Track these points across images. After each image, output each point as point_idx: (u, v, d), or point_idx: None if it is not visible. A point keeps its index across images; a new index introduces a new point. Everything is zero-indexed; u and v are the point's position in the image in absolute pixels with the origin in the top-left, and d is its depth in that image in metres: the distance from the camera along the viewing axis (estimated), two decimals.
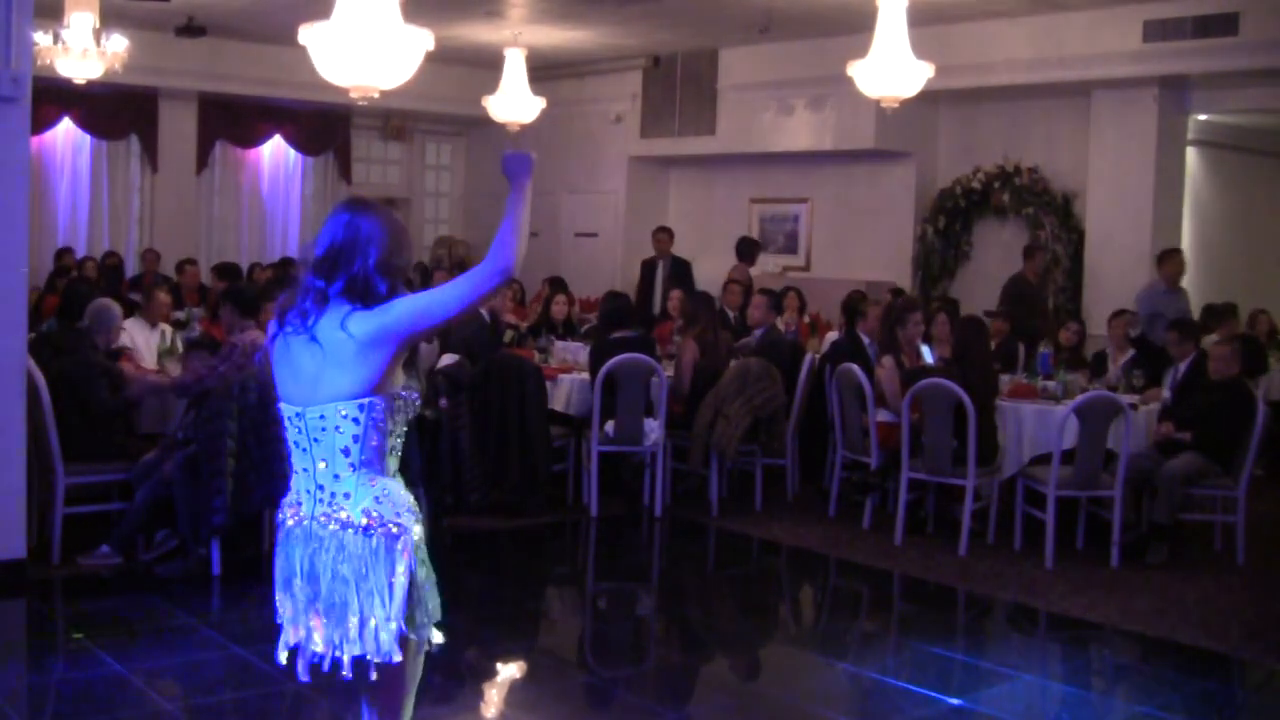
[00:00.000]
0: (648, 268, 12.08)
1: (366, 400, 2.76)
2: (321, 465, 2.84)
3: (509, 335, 9.35)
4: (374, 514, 2.81)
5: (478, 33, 11.79)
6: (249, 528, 6.58)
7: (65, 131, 13.43)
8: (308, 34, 6.70)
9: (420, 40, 6.76)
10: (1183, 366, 7.90)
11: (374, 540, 2.81)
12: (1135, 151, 10.60)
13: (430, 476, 7.15)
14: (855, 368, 7.75)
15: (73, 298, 7.15)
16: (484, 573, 6.96)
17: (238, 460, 6.02)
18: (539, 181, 13.44)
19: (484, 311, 8.50)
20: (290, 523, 2.90)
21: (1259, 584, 6.88)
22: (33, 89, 5.96)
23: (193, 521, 5.98)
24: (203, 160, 14.16)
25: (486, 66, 12.27)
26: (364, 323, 2.73)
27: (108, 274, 11.52)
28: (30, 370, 5.99)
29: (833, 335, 9.96)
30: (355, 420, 2.79)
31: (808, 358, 8.69)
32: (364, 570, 2.80)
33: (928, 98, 9.92)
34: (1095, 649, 6.08)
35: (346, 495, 2.83)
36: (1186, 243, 11.17)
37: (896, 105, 8.91)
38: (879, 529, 7.63)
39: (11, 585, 5.69)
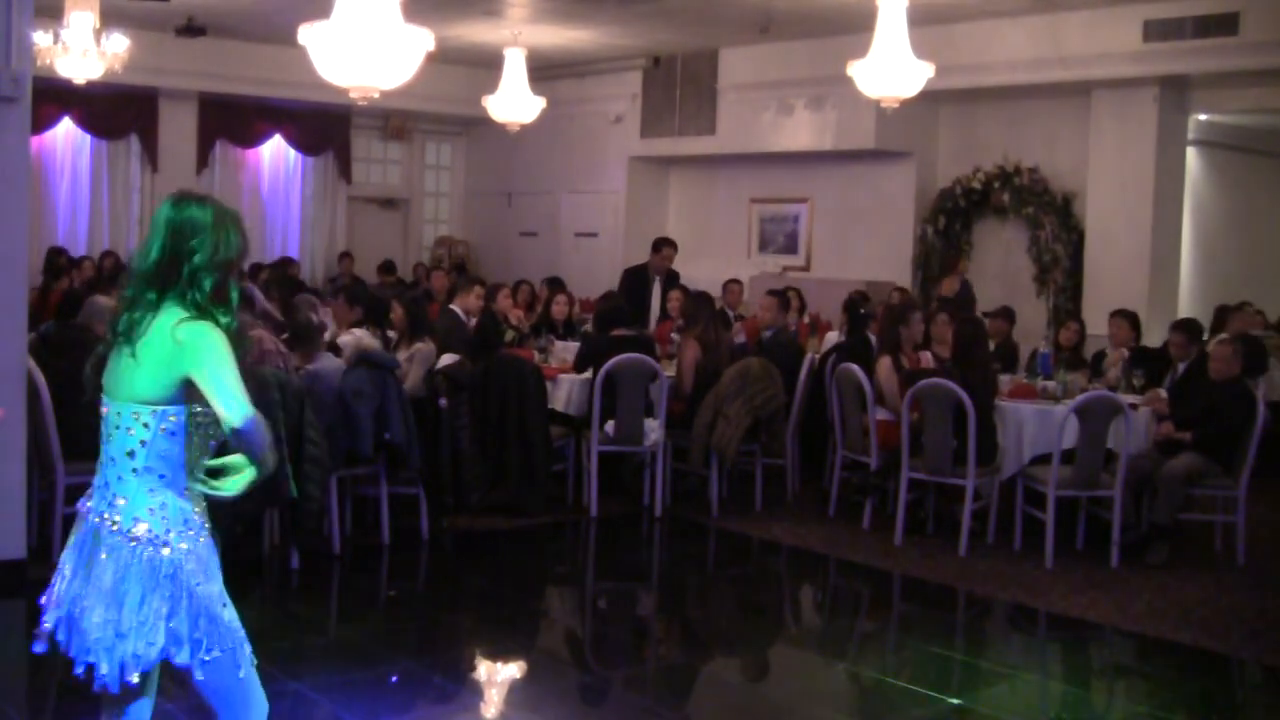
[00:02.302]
0: (637, 279, 10.53)
1: (160, 408, 2.72)
2: (111, 463, 2.79)
3: (509, 335, 9.35)
4: (143, 524, 2.74)
5: (478, 33, 11.79)
6: (249, 528, 6.58)
7: (65, 131, 13.44)
8: (308, 34, 6.70)
9: (420, 40, 6.75)
10: (1181, 367, 7.90)
11: (140, 552, 2.73)
12: (1135, 151, 10.60)
13: (430, 476, 7.16)
14: (855, 368, 7.74)
15: (75, 301, 7.18)
16: (484, 573, 6.96)
17: None
18: (539, 181, 13.35)
19: (460, 312, 8.54)
20: (82, 510, 2.86)
21: (1259, 584, 6.88)
22: (33, 89, 5.96)
23: None
24: (203, 160, 14.17)
25: (486, 66, 12.27)
26: (186, 340, 2.70)
27: (107, 274, 11.53)
28: (30, 370, 5.99)
29: (833, 335, 9.96)
30: (146, 425, 2.74)
31: (808, 358, 8.69)
32: (123, 580, 2.72)
33: (928, 98, 9.92)
34: (1095, 649, 6.08)
35: (125, 500, 2.76)
36: (1186, 243, 11.18)
37: (896, 105, 8.91)
38: (879, 529, 7.62)
39: (11, 585, 5.70)
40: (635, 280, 10.57)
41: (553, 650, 6.07)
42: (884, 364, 7.64)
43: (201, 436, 2.80)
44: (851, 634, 6.40)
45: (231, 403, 2.71)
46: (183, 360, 2.71)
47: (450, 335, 8.15)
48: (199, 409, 2.76)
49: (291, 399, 6.20)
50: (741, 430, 7.84)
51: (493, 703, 5.13)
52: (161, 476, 2.76)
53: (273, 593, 6.24)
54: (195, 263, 2.74)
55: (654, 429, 7.85)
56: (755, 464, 8.27)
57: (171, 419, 2.74)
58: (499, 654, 5.67)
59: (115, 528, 2.74)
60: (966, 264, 11.20)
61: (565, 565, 7.66)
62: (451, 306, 8.89)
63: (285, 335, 7.08)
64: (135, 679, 2.74)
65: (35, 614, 2.87)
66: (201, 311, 2.74)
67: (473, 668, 5.50)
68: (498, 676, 5.43)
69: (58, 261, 11.61)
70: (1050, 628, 6.25)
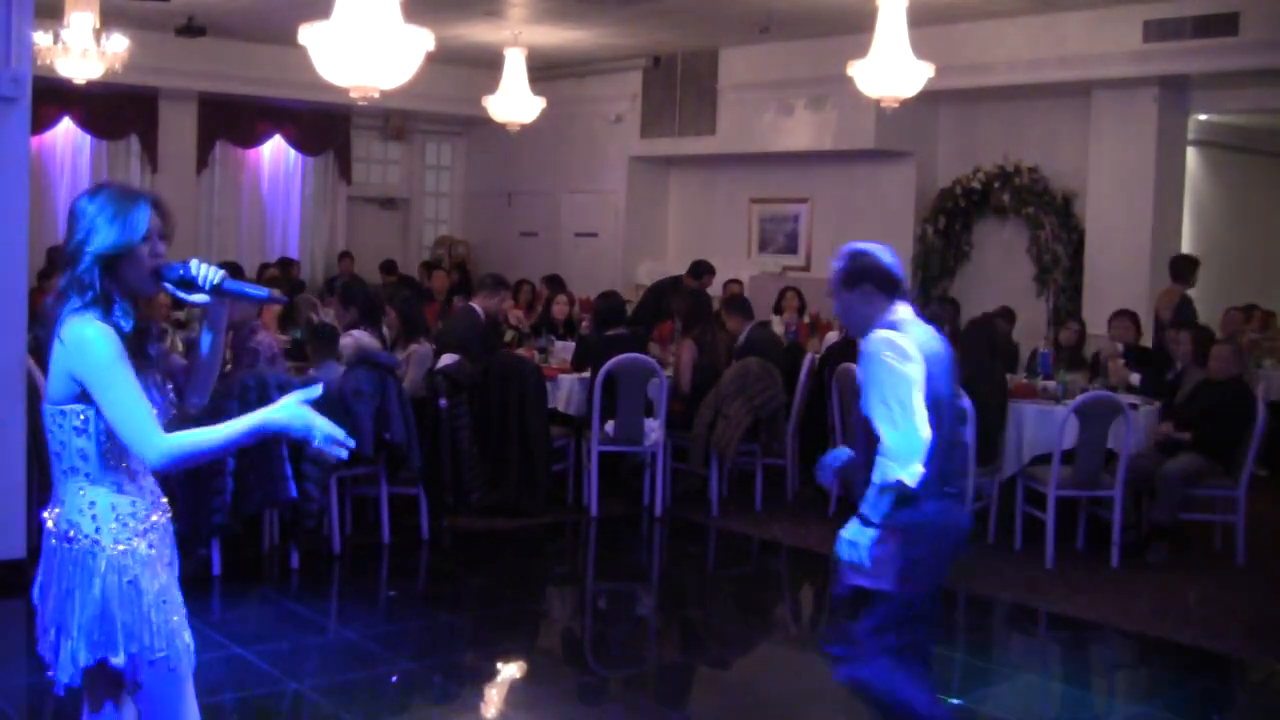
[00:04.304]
0: (663, 295, 10.42)
1: (68, 407, 2.66)
2: (51, 467, 2.76)
3: (509, 335, 9.35)
4: (74, 523, 2.69)
5: (478, 33, 11.79)
6: (249, 528, 6.59)
7: (65, 131, 13.42)
8: (308, 34, 6.70)
9: (420, 40, 6.76)
10: (1180, 365, 7.91)
11: (73, 551, 2.68)
12: (1135, 151, 10.59)
13: (430, 476, 7.16)
14: (855, 367, 7.73)
15: None
16: (484, 573, 6.96)
17: (238, 460, 6.03)
18: (539, 181, 13.27)
19: (479, 309, 8.49)
20: (42, 516, 2.84)
21: (1259, 584, 6.88)
22: (33, 89, 5.96)
23: (193, 521, 5.98)
24: (203, 160, 14.15)
25: (486, 66, 12.26)
26: (69, 337, 2.64)
27: None
28: (30, 370, 5.99)
29: (833, 335, 9.96)
30: (60, 425, 2.69)
31: (808, 358, 8.69)
32: (62, 582, 2.70)
33: (928, 98, 9.91)
34: (1095, 649, 6.08)
35: (62, 502, 2.73)
36: (1186, 243, 11.17)
37: (896, 105, 8.91)
38: None
39: (11, 585, 5.70)
40: (666, 294, 10.47)
41: (553, 650, 6.07)
42: None
43: None
44: None
45: (136, 434, 2.61)
46: (71, 363, 2.64)
47: (456, 332, 8.09)
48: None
49: None
50: (741, 430, 7.84)
51: (493, 703, 5.13)
52: (87, 475, 2.69)
53: (273, 593, 6.24)
54: (69, 250, 2.69)
55: (654, 429, 7.85)
56: (755, 464, 8.27)
57: (80, 418, 2.66)
58: (499, 654, 5.67)
59: (56, 532, 2.72)
60: (1194, 279, 9.88)
61: (565, 565, 7.66)
62: (472, 304, 8.66)
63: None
64: (77, 681, 2.70)
65: (35, 614, 2.86)
66: (87, 302, 2.65)
67: (473, 668, 5.50)
68: (498, 676, 5.43)
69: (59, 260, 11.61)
70: (1050, 628, 6.25)
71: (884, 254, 3.83)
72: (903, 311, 3.81)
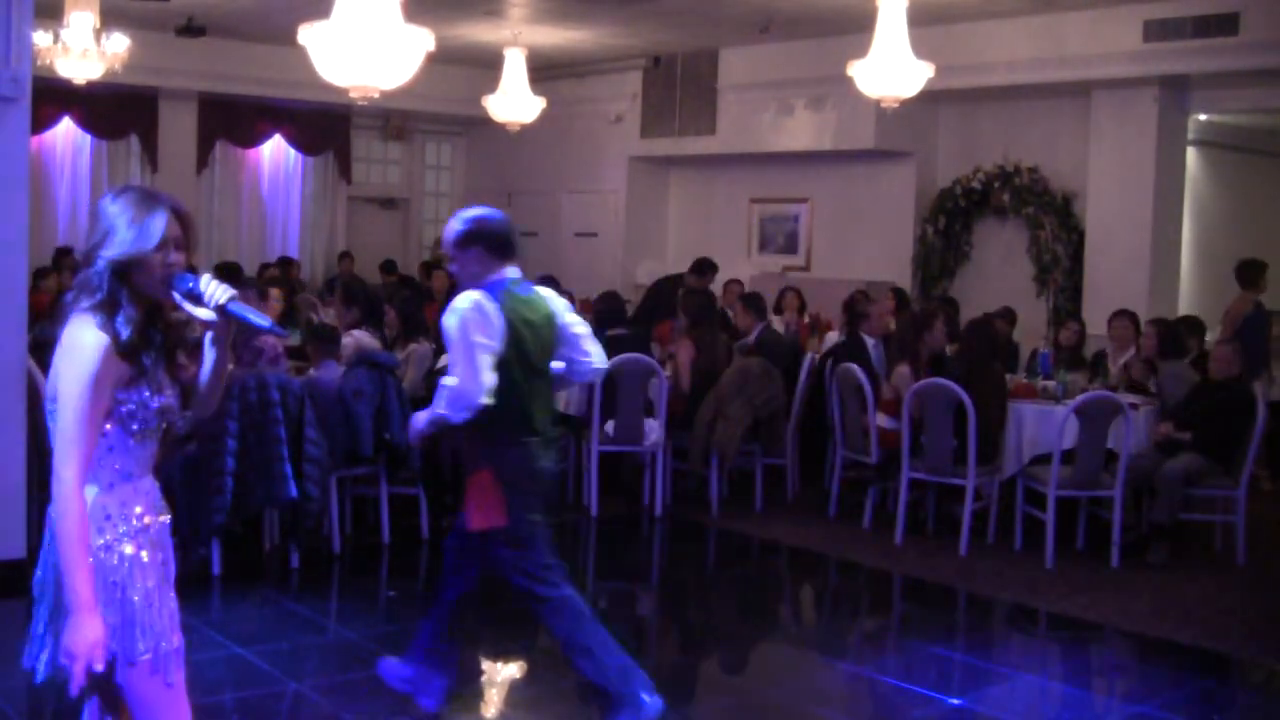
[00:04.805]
0: (670, 292, 10.36)
1: (55, 406, 2.64)
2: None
3: None
4: None
5: (478, 33, 11.79)
6: (249, 528, 6.59)
7: (65, 131, 13.42)
8: (308, 34, 6.70)
9: (420, 40, 6.75)
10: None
11: (59, 549, 2.66)
12: (1135, 151, 10.59)
13: (430, 476, 7.16)
14: (855, 367, 7.75)
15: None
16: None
17: (238, 460, 6.03)
18: (539, 181, 13.36)
19: None
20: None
21: (1259, 584, 6.89)
22: (33, 89, 5.96)
23: (193, 521, 5.98)
24: (203, 160, 14.15)
25: (486, 66, 12.27)
26: (66, 336, 2.62)
27: None
28: (30, 370, 5.99)
29: (833, 335, 9.96)
30: (54, 423, 2.67)
31: (808, 358, 8.69)
32: (46, 580, 2.71)
33: (928, 98, 9.91)
34: (1095, 649, 6.08)
35: (55, 499, 2.69)
36: (1186, 243, 11.18)
37: (896, 105, 8.91)
38: (879, 529, 7.62)
39: (11, 585, 5.70)
40: (667, 292, 10.53)
41: (553, 650, 6.06)
42: (902, 372, 7.58)
43: (119, 428, 2.67)
44: (851, 634, 6.40)
45: (61, 453, 2.58)
46: (57, 360, 2.63)
47: None
48: (115, 399, 2.64)
49: (292, 400, 6.21)
50: (742, 430, 7.84)
51: (493, 703, 5.13)
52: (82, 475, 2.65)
53: (273, 593, 6.24)
54: (86, 250, 2.69)
55: (654, 429, 7.85)
56: (755, 464, 8.27)
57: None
58: (499, 654, 5.67)
59: (50, 528, 2.71)
60: (1264, 284, 9.37)
61: (565, 565, 7.64)
62: None
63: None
64: (39, 678, 2.73)
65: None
66: (93, 304, 2.63)
67: (473, 668, 5.49)
68: (498, 676, 5.43)
69: (62, 262, 11.59)
70: (1050, 628, 6.25)
71: (497, 220, 4.34)
72: (510, 273, 4.29)
